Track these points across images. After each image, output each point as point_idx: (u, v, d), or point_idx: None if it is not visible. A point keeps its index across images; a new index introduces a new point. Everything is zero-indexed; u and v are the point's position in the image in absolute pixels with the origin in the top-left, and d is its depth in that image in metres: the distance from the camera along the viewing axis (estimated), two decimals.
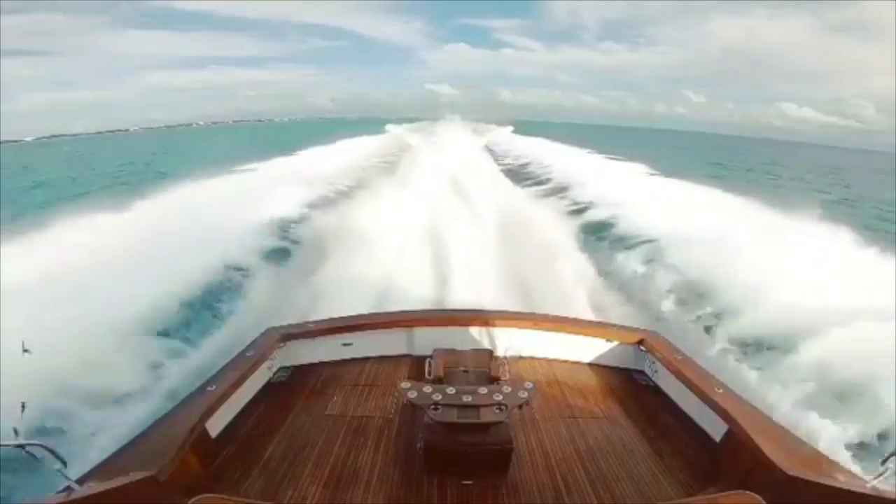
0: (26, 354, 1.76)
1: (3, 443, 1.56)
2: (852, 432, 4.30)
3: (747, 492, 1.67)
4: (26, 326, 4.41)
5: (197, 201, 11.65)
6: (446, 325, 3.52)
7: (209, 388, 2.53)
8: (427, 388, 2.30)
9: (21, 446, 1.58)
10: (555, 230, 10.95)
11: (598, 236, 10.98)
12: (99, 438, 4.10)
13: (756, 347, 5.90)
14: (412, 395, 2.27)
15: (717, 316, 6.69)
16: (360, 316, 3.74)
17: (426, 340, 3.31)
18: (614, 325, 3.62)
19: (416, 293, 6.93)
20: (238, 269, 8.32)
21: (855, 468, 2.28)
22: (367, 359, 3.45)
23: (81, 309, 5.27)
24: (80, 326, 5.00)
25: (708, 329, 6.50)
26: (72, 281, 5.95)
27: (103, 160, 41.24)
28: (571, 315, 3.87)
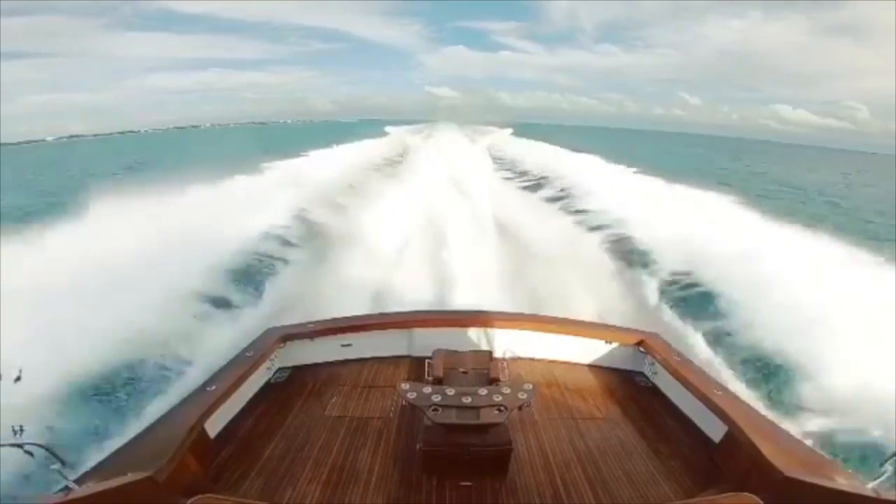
0: (18, 382, 1.77)
1: (2, 442, 1.56)
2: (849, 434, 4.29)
3: (746, 493, 1.67)
4: (27, 330, 4.45)
5: (199, 204, 11.65)
6: (446, 326, 3.53)
7: (208, 388, 2.53)
8: (426, 389, 2.30)
9: (20, 446, 1.58)
10: (554, 232, 10.95)
11: (597, 238, 10.96)
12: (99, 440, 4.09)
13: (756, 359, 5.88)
14: (412, 396, 2.26)
15: (717, 319, 6.68)
16: (359, 317, 3.74)
17: (426, 341, 3.31)
18: (614, 327, 3.62)
19: (415, 294, 6.93)
20: (239, 271, 8.32)
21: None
22: (366, 359, 3.45)
23: (82, 313, 5.26)
24: (81, 330, 4.99)
25: (710, 336, 6.46)
26: (72, 284, 5.93)
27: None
28: (571, 316, 3.86)
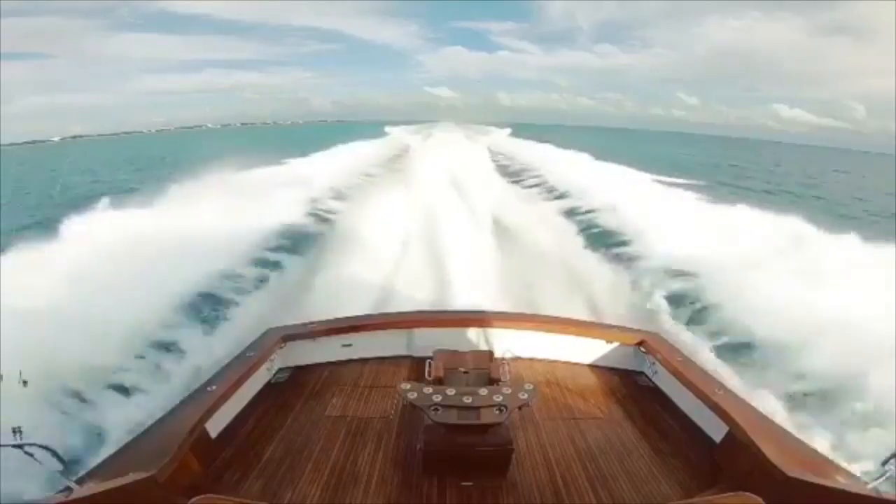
0: (23, 385, 1.78)
1: (3, 443, 1.57)
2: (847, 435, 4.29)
3: (747, 493, 1.66)
4: (26, 329, 4.45)
5: (199, 204, 11.66)
6: (446, 326, 3.53)
7: (209, 389, 2.53)
8: (427, 390, 2.30)
9: (21, 446, 1.58)
10: (554, 232, 10.96)
11: (597, 238, 10.95)
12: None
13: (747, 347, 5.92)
14: (412, 396, 2.26)
15: (713, 316, 6.67)
16: (360, 317, 3.74)
17: (426, 341, 3.32)
18: (614, 327, 3.61)
19: (415, 295, 6.93)
20: (239, 271, 8.32)
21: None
22: (367, 360, 3.46)
23: (81, 313, 5.26)
24: (81, 329, 4.99)
25: (707, 333, 6.44)
26: (70, 283, 5.94)
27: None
28: (571, 316, 3.87)
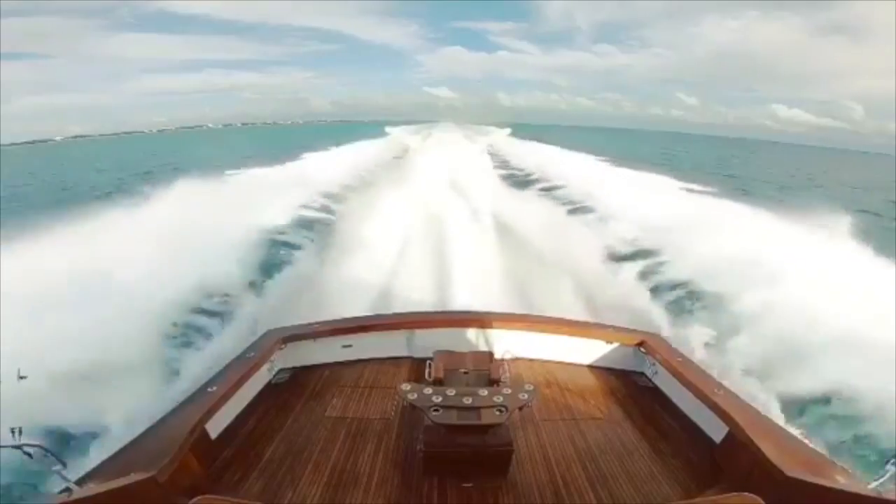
0: (22, 380, 1.78)
1: (3, 443, 1.57)
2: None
3: (747, 493, 1.66)
4: (27, 329, 4.45)
5: (198, 205, 11.64)
6: (446, 326, 3.53)
7: (209, 389, 2.53)
8: (427, 390, 2.30)
9: (21, 447, 1.58)
10: (554, 232, 10.94)
11: (597, 237, 10.95)
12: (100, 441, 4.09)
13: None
14: (412, 396, 2.26)
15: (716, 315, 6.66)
16: (360, 318, 3.75)
17: (426, 342, 3.32)
18: (614, 327, 3.61)
19: (416, 295, 6.94)
20: (239, 272, 8.31)
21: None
22: (367, 360, 3.46)
23: (79, 313, 5.26)
24: (80, 329, 4.99)
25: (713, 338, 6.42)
26: (69, 284, 5.93)
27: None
28: (571, 317, 3.86)
